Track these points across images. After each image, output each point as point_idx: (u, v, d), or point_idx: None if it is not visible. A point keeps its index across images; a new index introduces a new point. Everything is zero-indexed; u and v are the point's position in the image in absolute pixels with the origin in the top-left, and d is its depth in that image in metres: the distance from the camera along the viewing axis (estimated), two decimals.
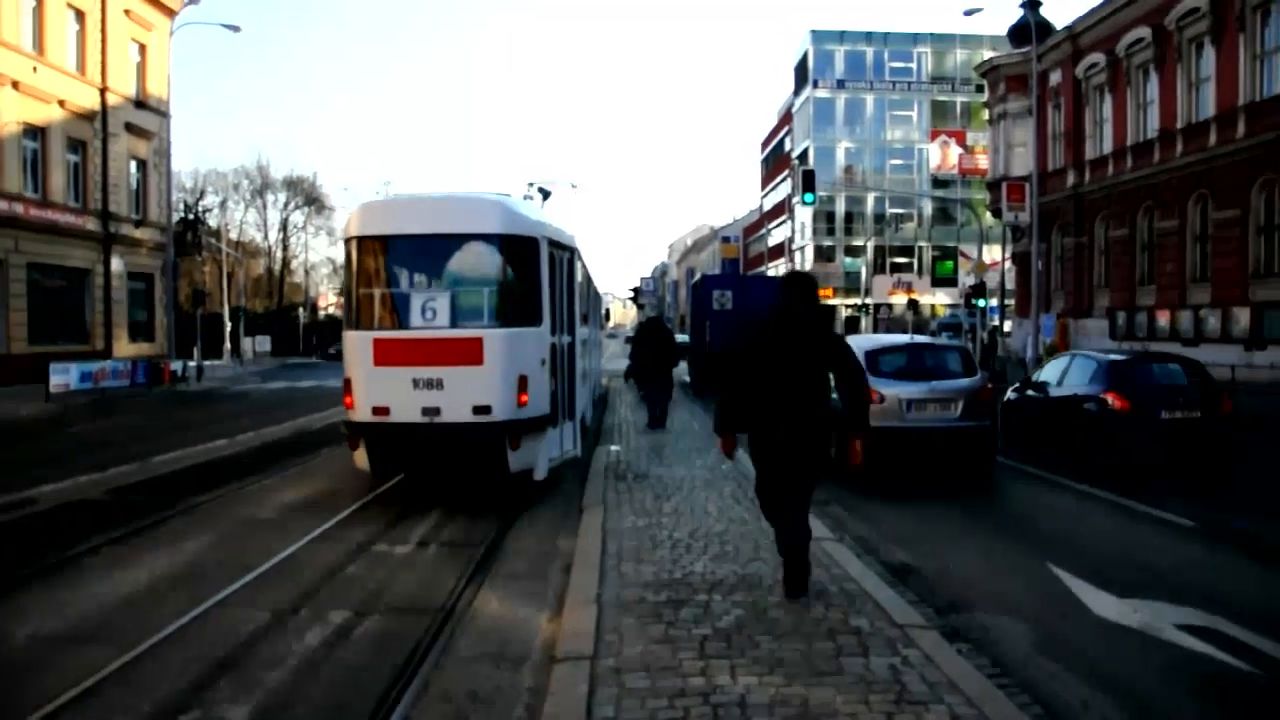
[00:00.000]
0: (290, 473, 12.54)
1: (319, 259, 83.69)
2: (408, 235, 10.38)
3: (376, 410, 9.75)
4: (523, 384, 9.79)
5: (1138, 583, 6.87)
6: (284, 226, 77.82)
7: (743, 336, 6.31)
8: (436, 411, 9.54)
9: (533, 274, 10.21)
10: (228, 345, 53.36)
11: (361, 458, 10.11)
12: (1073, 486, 11.20)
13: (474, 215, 10.47)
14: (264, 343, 60.40)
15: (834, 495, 10.48)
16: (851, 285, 66.13)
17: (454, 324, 9.84)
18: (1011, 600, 6.61)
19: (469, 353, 9.64)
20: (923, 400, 11.53)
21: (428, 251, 10.45)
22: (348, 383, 10.08)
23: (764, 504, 6.28)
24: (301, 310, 69.13)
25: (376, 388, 9.82)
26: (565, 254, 11.53)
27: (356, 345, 10.05)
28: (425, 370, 9.58)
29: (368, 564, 7.67)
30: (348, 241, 10.62)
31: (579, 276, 13.26)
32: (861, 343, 12.46)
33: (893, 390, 11.47)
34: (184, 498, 10.47)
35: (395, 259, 10.60)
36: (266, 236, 76.97)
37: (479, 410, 9.57)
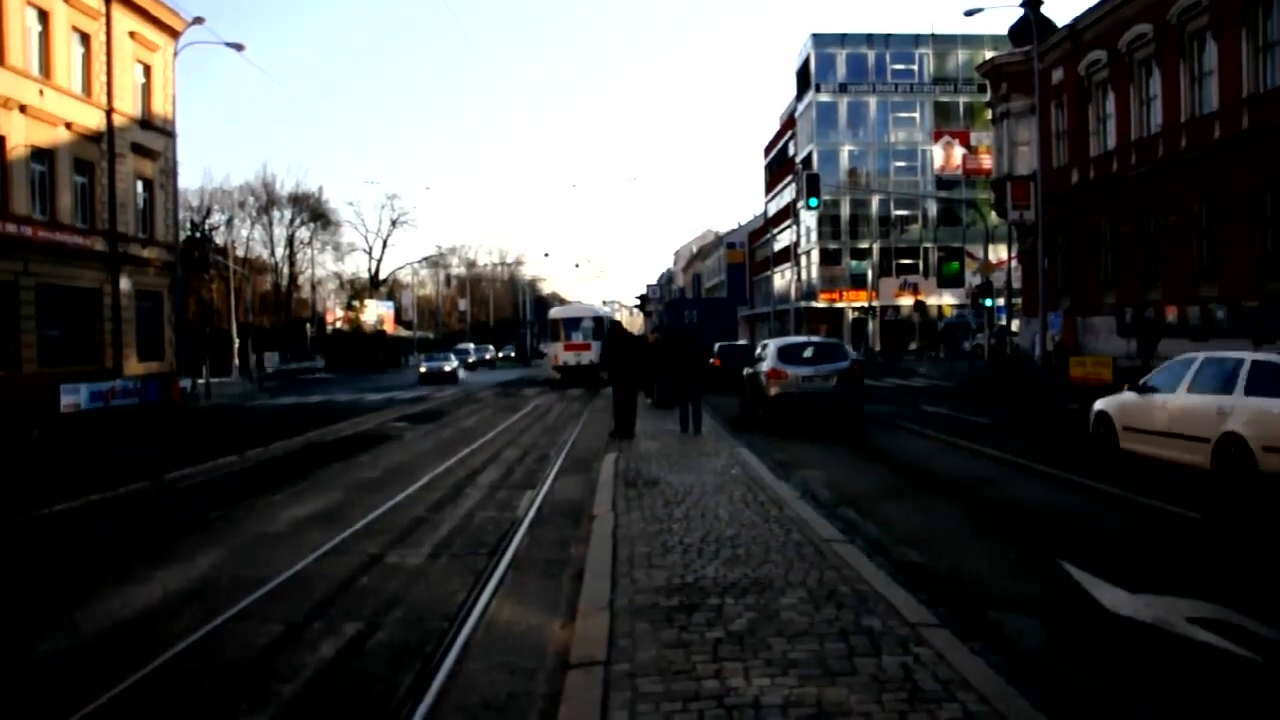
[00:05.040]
0: (300, 487, 12.59)
1: (325, 274, 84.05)
2: (570, 317, 39.62)
3: (566, 363, 37.34)
4: (598, 355, 31.34)
5: (1149, 577, 6.86)
6: (290, 242, 78.22)
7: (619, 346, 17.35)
8: (579, 362, 36.60)
9: (600, 327, 34.60)
10: (236, 361, 53.47)
11: (556, 376, 37.72)
12: (1080, 482, 11.19)
13: (589, 311, 42.02)
14: (273, 358, 60.57)
15: (845, 498, 10.51)
16: (858, 288, 66.09)
17: (583, 341, 37.07)
18: (1023, 597, 6.61)
19: (588, 349, 36.15)
20: (811, 376, 18.06)
21: (576, 320, 38.99)
22: (555, 356, 38.50)
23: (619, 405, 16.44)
24: (309, 325, 69.31)
25: (564, 357, 37.56)
26: (609, 319, 34.55)
27: (557, 348, 38.38)
28: (576, 352, 37.09)
29: (380, 575, 7.70)
30: (553, 320, 40.49)
31: (610, 324, 29.58)
32: (777, 342, 20.60)
33: (793, 370, 18.16)
34: (197, 513, 10.53)
35: (567, 324, 38.70)
36: (273, 253, 77.37)
37: (590, 362, 35.53)
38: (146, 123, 35.39)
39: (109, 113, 32.76)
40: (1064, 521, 9.36)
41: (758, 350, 21.49)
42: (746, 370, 20.80)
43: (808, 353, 18.67)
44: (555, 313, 43.72)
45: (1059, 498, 10.65)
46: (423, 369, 47.98)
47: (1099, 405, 13.42)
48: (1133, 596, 6.36)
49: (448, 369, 47.37)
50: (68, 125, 30.50)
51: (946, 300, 64.11)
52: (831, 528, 8.22)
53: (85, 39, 31.79)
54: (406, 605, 6.83)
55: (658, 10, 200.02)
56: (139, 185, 35.56)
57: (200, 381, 36.05)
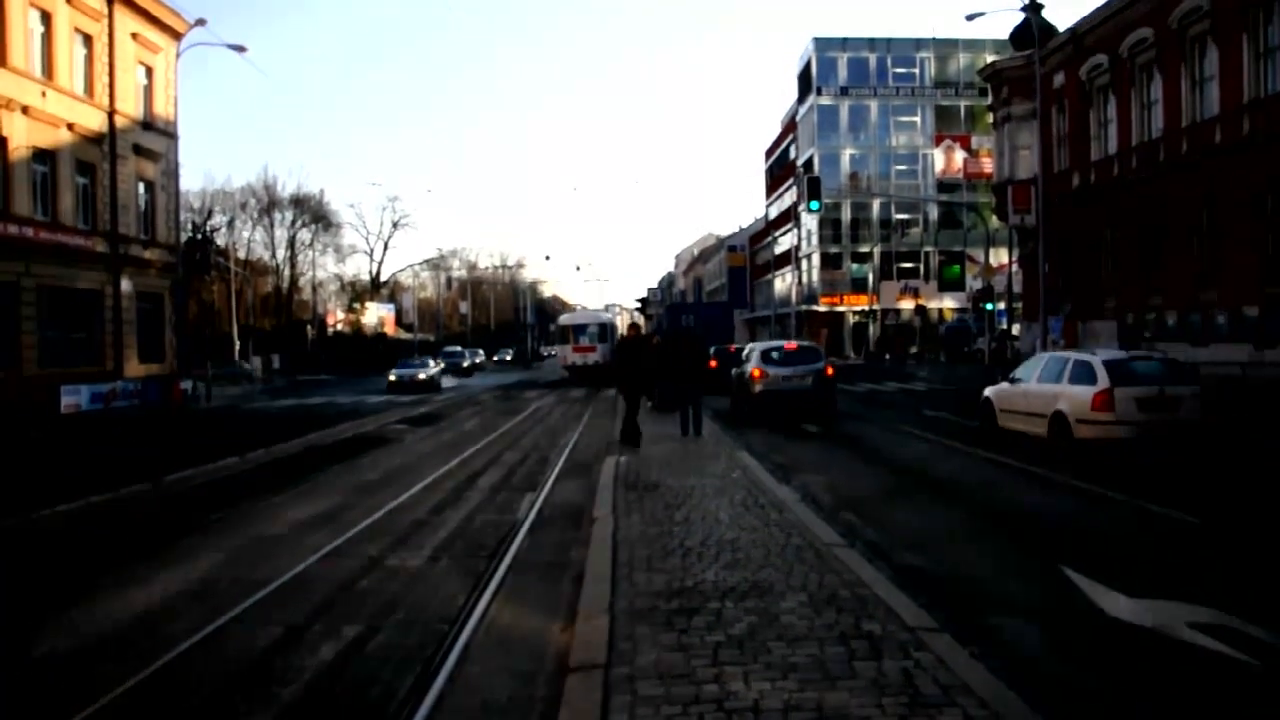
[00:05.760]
0: (302, 488, 12.59)
1: (326, 276, 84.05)
2: (578, 323, 46.44)
3: (574, 363, 43.41)
4: (605, 356, 37.40)
5: (1149, 582, 6.85)
6: (291, 244, 78.23)
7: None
8: (585, 362, 42.16)
9: (606, 332, 43.67)
10: (238, 362, 53.45)
11: (565, 374, 44.18)
12: (1079, 486, 11.16)
13: (595, 318, 49.17)
14: (273, 360, 60.57)
15: (846, 502, 10.49)
16: (859, 291, 66.11)
17: (590, 344, 43.10)
18: (1024, 602, 6.60)
19: (593, 350, 42.42)
20: (789, 376, 20.87)
21: (583, 326, 45.32)
22: (564, 357, 45.37)
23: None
24: (310, 327, 69.30)
25: (572, 358, 43.78)
26: (612, 324, 46.01)
27: (566, 350, 44.91)
28: (583, 353, 42.84)
29: (380, 578, 7.69)
30: (563, 326, 48.50)
31: (616, 329, 39.31)
32: (760, 345, 24.02)
33: (774, 370, 21.01)
34: (197, 515, 10.53)
35: (575, 329, 44.96)
36: (274, 255, 77.39)
37: (596, 361, 40.64)
38: (148, 124, 35.39)
39: (111, 114, 32.75)
40: (1063, 524, 9.35)
41: (745, 353, 24.38)
42: (734, 370, 23.47)
43: (787, 354, 21.82)
44: (564, 319, 52.43)
45: (1058, 501, 10.64)
46: (392, 376, 39.77)
47: (986, 393, 16.94)
48: (1133, 601, 6.35)
49: (422, 377, 39.84)
50: (70, 126, 30.50)
51: (947, 304, 64.11)
52: (832, 531, 8.22)
53: (88, 40, 31.79)
54: (406, 608, 6.83)
55: (659, 14, 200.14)
56: (140, 187, 35.54)
57: (200, 384, 36.07)
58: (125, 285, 33.87)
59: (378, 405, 30.76)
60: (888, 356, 60.27)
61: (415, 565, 8.10)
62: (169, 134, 36.97)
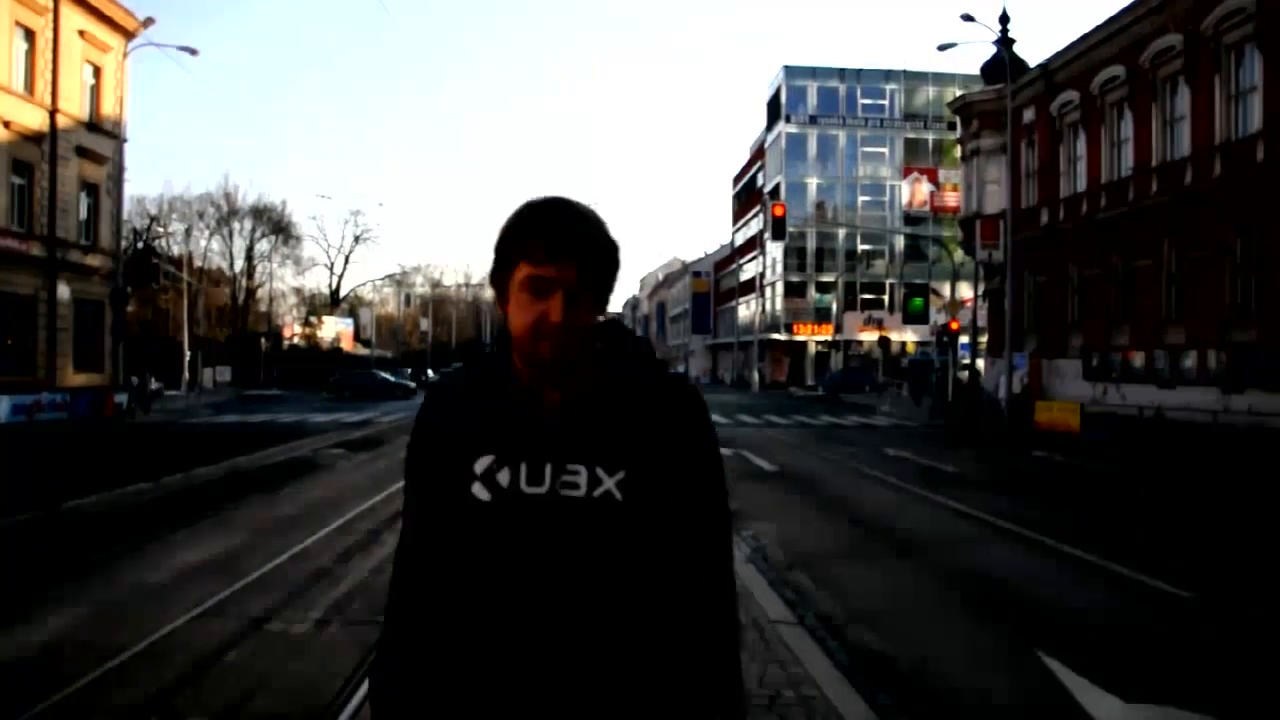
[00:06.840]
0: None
1: (285, 288, 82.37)
2: None
3: None
4: None
5: (1141, 676, 5.98)
6: (249, 255, 76.53)
7: None
8: None
9: None
10: (186, 375, 51.74)
11: None
12: (1053, 547, 10.32)
13: None
14: (224, 373, 58.92)
15: (799, 559, 9.55)
16: (822, 321, 65.65)
17: None
18: (999, 703, 5.68)
19: None
20: None
21: None
22: None
23: None
24: (264, 340, 67.64)
25: None
26: None
27: None
28: None
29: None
30: None
31: None
32: None
33: None
34: (100, 545, 9.41)
35: None
36: (232, 265, 75.61)
37: None
38: (94, 125, 34.07)
39: (53, 113, 31.45)
40: (1043, 597, 8.48)
41: None
42: None
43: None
44: None
45: (1033, 566, 9.78)
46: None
47: None
48: (1128, 707, 5.46)
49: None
50: (6, 124, 29.18)
51: (910, 337, 63.77)
52: (780, 603, 7.26)
53: (30, 35, 30.50)
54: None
55: (625, 41, 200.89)
56: (83, 190, 34.16)
57: (137, 394, 34.61)
58: (62, 291, 32.47)
59: (323, 424, 29.46)
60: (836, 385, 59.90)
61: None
62: (115, 136, 35.64)
